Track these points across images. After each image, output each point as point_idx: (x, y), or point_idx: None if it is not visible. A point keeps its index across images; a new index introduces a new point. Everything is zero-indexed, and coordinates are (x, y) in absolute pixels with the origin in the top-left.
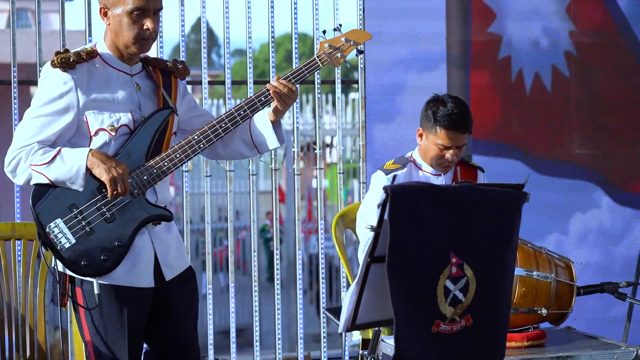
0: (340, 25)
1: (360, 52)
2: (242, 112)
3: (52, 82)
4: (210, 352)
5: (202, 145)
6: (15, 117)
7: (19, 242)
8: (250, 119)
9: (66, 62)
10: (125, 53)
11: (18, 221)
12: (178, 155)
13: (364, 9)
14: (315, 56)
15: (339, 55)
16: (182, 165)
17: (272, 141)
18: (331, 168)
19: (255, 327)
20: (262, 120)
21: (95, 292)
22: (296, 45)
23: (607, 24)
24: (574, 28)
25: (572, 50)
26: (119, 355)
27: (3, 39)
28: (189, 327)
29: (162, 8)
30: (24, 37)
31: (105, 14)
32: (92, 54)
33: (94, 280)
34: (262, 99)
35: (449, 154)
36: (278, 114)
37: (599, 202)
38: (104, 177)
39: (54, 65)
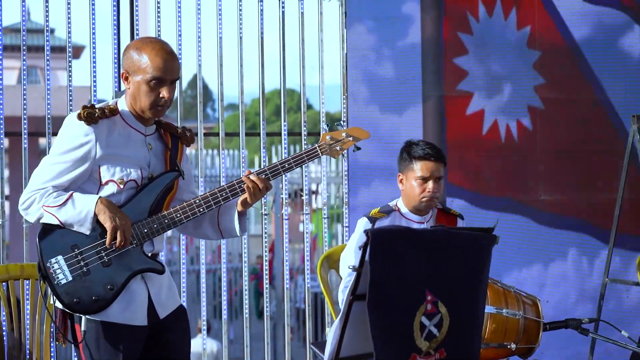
0: (344, 121)
1: (357, 148)
2: (230, 191)
3: (75, 132)
4: None
5: (201, 210)
6: (26, 165)
7: (27, 282)
8: (225, 206)
9: (91, 116)
10: (141, 115)
11: (26, 262)
12: (179, 215)
13: (346, 69)
14: (317, 145)
15: (338, 148)
16: (180, 224)
17: (235, 230)
18: (317, 213)
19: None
20: (229, 209)
21: (82, 328)
22: (284, 102)
23: (575, 77)
24: (543, 81)
25: (539, 103)
26: None
27: (14, 93)
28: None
29: (179, 78)
30: (33, 92)
31: (126, 79)
32: (114, 112)
33: (83, 317)
34: (237, 188)
35: (429, 186)
36: (246, 205)
37: (559, 239)
38: (107, 225)
39: (79, 118)
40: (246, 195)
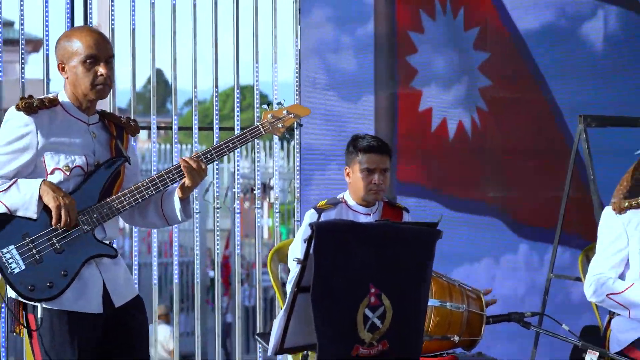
0: (284, 100)
1: (299, 124)
2: (174, 174)
3: (15, 123)
4: None
5: (150, 192)
6: None
7: None
8: (168, 192)
9: (29, 106)
10: (84, 102)
11: None
12: (127, 199)
13: (300, 63)
14: (259, 123)
15: (280, 125)
16: (129, 208)
17: (177, 215)
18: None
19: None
20: (171, 195)
21: (39, 315)
22: (238, 97)
23: (523, 78)
24: (490, 82)
25: (483, 105)
26: None
27: None
28: (141, 348)
29: (113, 55)
30: None
31: (62, 69)
32: (54, 102)
33: (39, 305)
34: (176, 173)
35: (375, 178)
36: (185, 191)
37: (506, 235)
38: (51, 205)
39: (18, 108)
40: (185, 179)
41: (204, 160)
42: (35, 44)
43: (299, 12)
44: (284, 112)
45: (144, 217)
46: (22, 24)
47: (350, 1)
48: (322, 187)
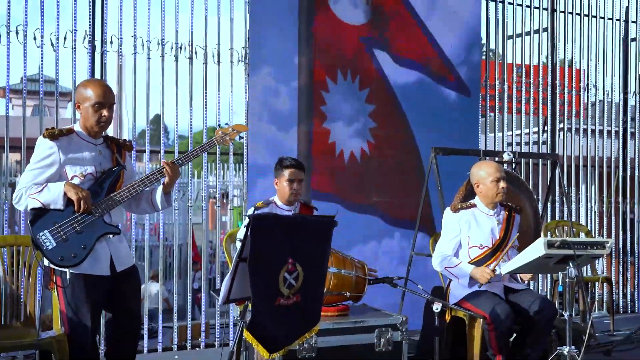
0: (229, 121)
1: (240, 137)
2: (157, 174)
3: (43, 147)
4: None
5: (140, 189)
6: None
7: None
8: (154, 187)
9: (52, 134)
10: (92, 132)
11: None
12: (125, 193)
13: (248, 108)
14: (213, 138)
15: (227, 138)
16: (127, 200)
17: (161, 203)
18: (232, 210)
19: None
20: (157, 190)
21: (67, 277)
22: (205, 132)
23: (396, 122)
24: (375, 124)
25: (371, 139)
26: (83, 320)
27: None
28: (135, 303)
29: (114, 103)
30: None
31: (78, 107)
32: (70, 131)
33: (67, 270)
34: (160, 173)
35: (295, 186)
36: (166, 186)
37: (385, 227)
38: (73, 197)
39: (44, 136)
40: (166, 178)
41: (177, 163)
42: (67, 95)
43: (248, 76)
44: (230, 129)
45: (138, 206)
46: (57, 80)
47: (284, 63)
48: (262, 193)
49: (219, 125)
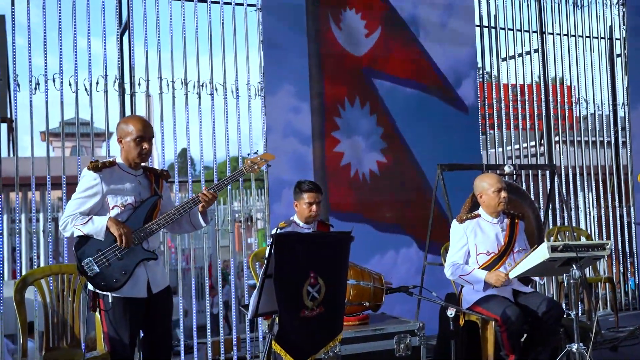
0: (257, 151)
1: (268, 165)
2: (187, 206)
3: (88, 178)
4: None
5: (175, 217)
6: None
7: (65, 276)
8: (190, 212)
9: (96, 167)
10: (132, 164)
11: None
12: (162, 222)
13: (266, 137)
14: (242, 167)
15: (256, 167)
16: (164, 228)
17: (201, 222)
18: (258, 232)
19: (207, 317)
20: (195, 212)
21: (110, 300)
22: (228, 163)
23: (400, 144)
24: (385, 145)
25: (382, 159)
26: (123, 339)
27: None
28: (168, 321)
29: (154, 136)
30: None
31: (120, 141)
32: (113, 164)
33: (109, 294)
34: (197, 200)
35: (314, 208)
36: (203, 208)
37: (398, 240)
38: (116, 233)
39: (88, 168)
40: (202, 202)
41: (212, 191)
42: (101, 135)
43: (265, 108)
44: (258, 158)
45: (180, 227)
46: (92, 122)
47: (298, 92)
48: (282, 214)
49: (248, 154)
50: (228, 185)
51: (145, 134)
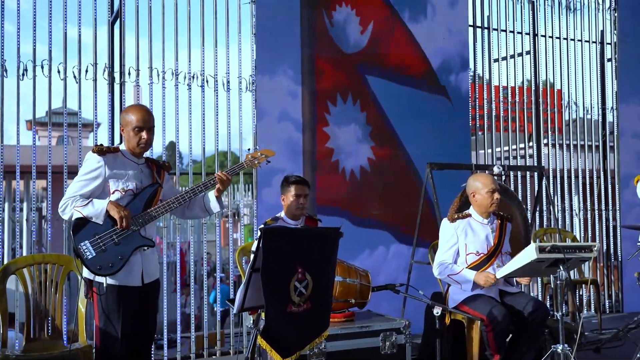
0: (257, 147)
1: (268, 161)
2: (197, 190)
3: (91, 161)
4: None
5: (175, 205)
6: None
7: (47, 266)
8: (204, 194)
9: (100, 150)
10: (133, 152)
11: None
12: (161, 210)
13: (256, 134)
14: (243, 162)
15: (256, 162)
16: (163, 215)
17: (216, 207)
18: (244, 227)
19: (192, 313)
20: (210, 195)
21: (105, 285)
22: (217, 155)
23: (392, 141)
24: (374, 143)
25: (371, 156)
26: (113, 332)
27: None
28: (154, 314)
29: (154, 126)
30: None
31: (122, 130)
32: (116, 149)
33: (104, 279)
34: (211, 182)
35: (301, 201)
36: (219, 191)
37: (386, 237)
38: (116, 216)
39: (93, 151)
40: (219, 185)
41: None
42: (89, 126)
43: (255, 87)
44: (258, 153)
45: (191, 212)
46: (80, 112)
47: (289, 87)
48: (270, 209)
49: (249, 149)
50: (237, 173)
51: (144, 124)
